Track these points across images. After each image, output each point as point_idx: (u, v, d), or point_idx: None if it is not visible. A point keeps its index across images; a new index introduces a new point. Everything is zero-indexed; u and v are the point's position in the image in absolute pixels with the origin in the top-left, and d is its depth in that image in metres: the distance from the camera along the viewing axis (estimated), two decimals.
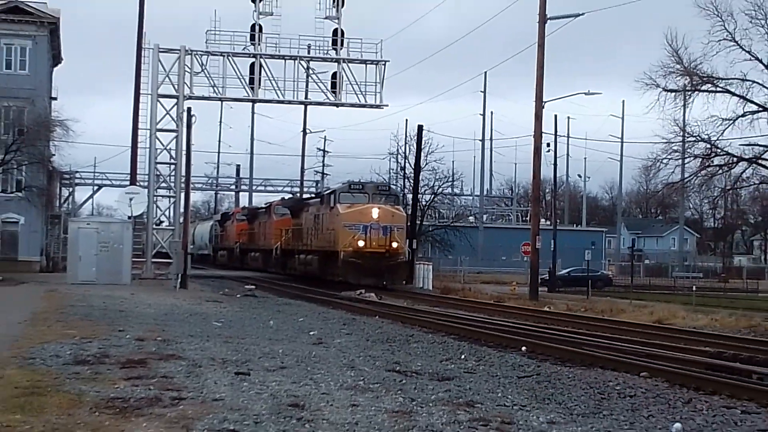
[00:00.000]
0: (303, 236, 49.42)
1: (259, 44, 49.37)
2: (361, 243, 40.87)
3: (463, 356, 18.29)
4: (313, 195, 53.55)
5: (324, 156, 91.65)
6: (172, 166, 51.01)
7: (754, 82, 40.63)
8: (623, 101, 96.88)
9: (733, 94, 41.17)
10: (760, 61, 40.35)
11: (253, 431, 9.52)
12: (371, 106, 51.70)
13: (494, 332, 23.57)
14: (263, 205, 68.87)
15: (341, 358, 16.79)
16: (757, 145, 42.17)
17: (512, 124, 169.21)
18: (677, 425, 11.00)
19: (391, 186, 48.64)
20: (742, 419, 11.78)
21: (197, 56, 49.24)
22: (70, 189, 79.73)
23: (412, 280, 50.34)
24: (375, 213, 41.36)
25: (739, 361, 17.84)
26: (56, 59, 68.19)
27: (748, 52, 40.16)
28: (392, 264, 42.03)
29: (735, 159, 42.80)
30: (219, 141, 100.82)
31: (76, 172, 77.68)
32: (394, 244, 41.63)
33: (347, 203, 42.95)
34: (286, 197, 75.71)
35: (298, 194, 74.36)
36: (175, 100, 49.45)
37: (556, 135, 66.52)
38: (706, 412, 12.32)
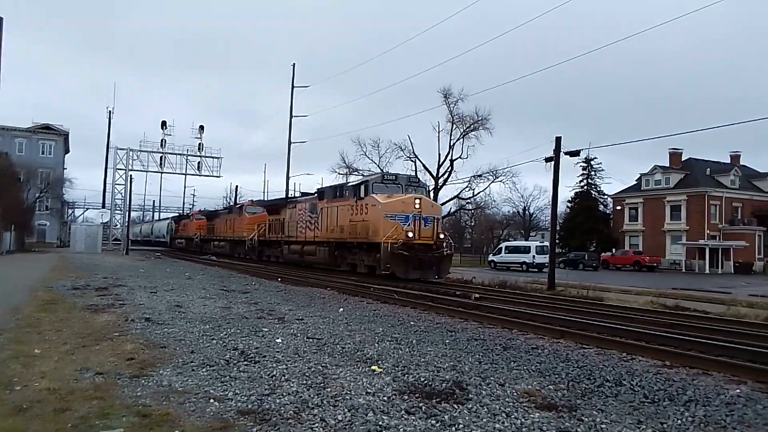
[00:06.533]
0: (285, 229, 28.14)
1: (164, 147, 49.30)
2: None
3: (254, 283, 18.44)
4: (296, 197, 32.00)
5: (193, 199, 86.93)
6: (122, 200, 49.95)
7: (371, 170, 47.26)
8: (322, 177, 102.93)
9: (362, 174, 47.83)
10: (374, 162, 47.90)
11: (158, 317, 9.75)
12: (216, 176, 52.28)
13: (267, 273, 23.28)
14: (223, 208, 51.71)
15: (199, 285, 16.70)
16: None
17: (282, 184, 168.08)
18: (341, 309, 12.04)
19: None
20: (367, 306, 12.89)
21: (136, 152, 48.56)
22: (73, 209, 76.31)
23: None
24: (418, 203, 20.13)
25: (365, 284, 19.43)
26: (67, 150, 65.05)
27: (369, 158, 47.73)
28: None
29: None
30: (145, 188, 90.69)
31: (75, 202, 75.60)
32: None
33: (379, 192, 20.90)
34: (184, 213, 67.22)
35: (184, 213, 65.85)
36: (124, 171, 48.49)
37: (294, 188, 67.88)
38: (353, 303, 13.39)
